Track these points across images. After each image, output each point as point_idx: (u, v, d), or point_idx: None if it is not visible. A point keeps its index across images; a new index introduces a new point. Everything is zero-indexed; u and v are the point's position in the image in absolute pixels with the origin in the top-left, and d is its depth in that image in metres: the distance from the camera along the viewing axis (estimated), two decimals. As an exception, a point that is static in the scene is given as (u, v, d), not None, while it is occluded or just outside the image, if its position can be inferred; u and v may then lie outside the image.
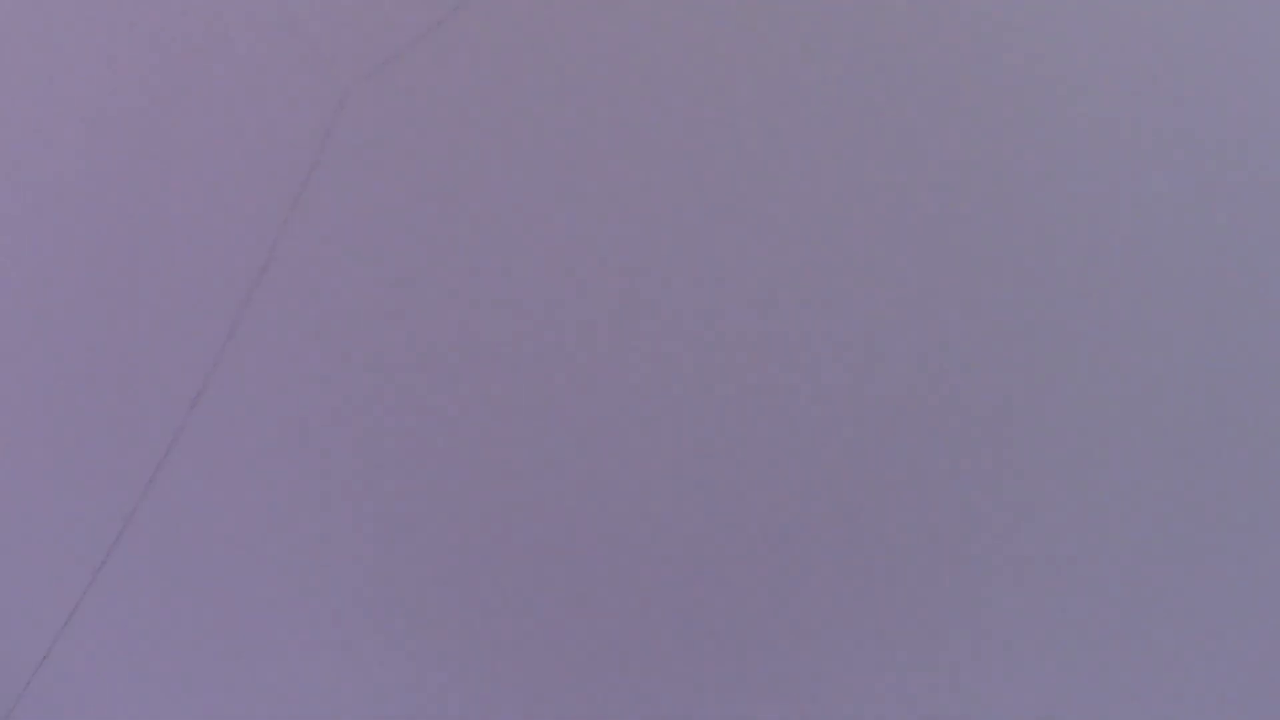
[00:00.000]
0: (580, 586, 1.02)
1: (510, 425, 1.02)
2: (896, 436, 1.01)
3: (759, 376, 1.01)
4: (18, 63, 1.06)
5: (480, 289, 1.01)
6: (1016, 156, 1.01)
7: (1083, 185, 1.01)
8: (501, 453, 1.02)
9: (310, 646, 1.03)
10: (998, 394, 1.01)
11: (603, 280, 1.01)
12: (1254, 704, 1.01)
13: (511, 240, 1.01)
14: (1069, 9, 1.01)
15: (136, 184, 1.04)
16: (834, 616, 1.01)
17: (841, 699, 1.02)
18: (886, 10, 1.01)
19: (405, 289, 1.01)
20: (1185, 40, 1.01)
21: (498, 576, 1.02)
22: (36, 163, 1.06)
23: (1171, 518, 1.01)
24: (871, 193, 1.01)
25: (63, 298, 1.06)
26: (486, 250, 1.02)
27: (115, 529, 1.04)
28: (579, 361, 1.01)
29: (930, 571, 1.01)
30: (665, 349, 1.01)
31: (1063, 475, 1.01)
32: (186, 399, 1.03)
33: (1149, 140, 1.01)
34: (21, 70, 1.06)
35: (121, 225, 1.04)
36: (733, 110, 1.01)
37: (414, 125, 1.01)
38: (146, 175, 1.03)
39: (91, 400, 1.05)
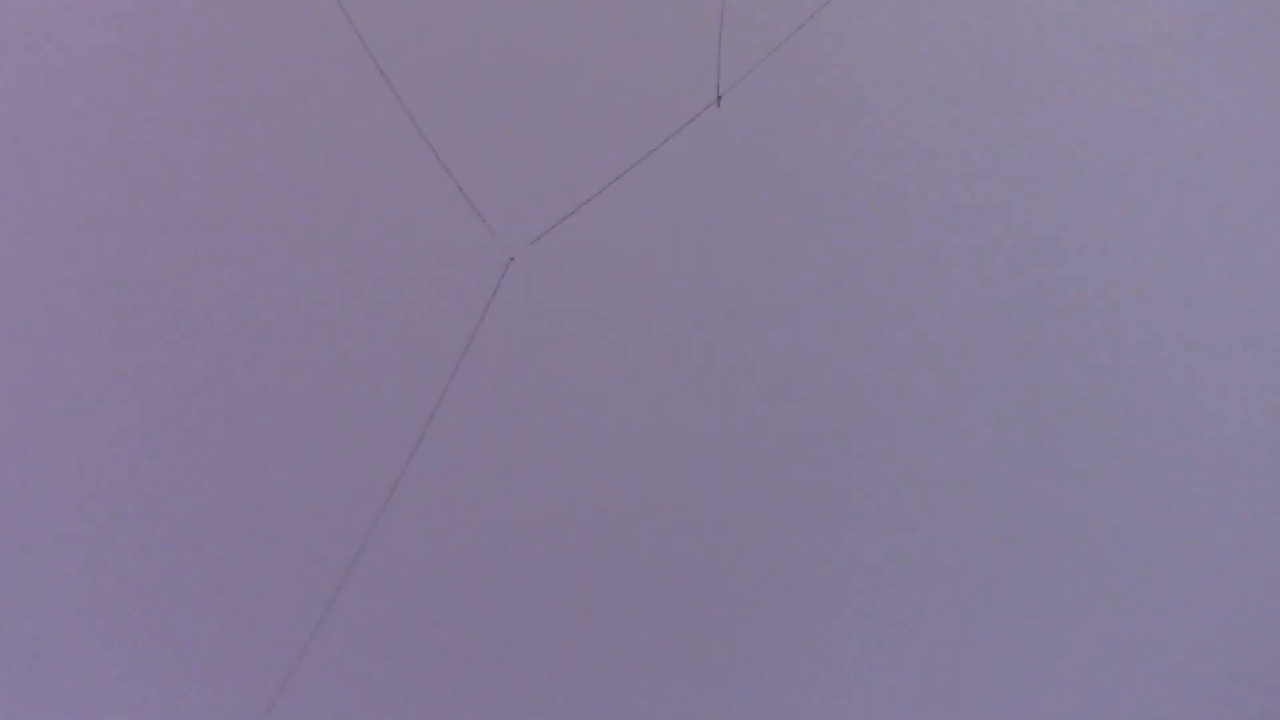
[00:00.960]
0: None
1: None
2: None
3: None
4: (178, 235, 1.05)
5: (655, 462, 0.97)
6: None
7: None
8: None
9: None
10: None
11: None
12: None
13: (680, 415, 0.98)
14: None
15: (278, 363, 1.02)
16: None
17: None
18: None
19: (569, 464, 0.97)
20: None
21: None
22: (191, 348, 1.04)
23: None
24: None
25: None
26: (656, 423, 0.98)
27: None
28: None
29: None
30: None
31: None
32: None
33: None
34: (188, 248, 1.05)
35: (269, 407, 1.02)
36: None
37: (582, 291, 0.99)
38: (290, 349, 1.01)
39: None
